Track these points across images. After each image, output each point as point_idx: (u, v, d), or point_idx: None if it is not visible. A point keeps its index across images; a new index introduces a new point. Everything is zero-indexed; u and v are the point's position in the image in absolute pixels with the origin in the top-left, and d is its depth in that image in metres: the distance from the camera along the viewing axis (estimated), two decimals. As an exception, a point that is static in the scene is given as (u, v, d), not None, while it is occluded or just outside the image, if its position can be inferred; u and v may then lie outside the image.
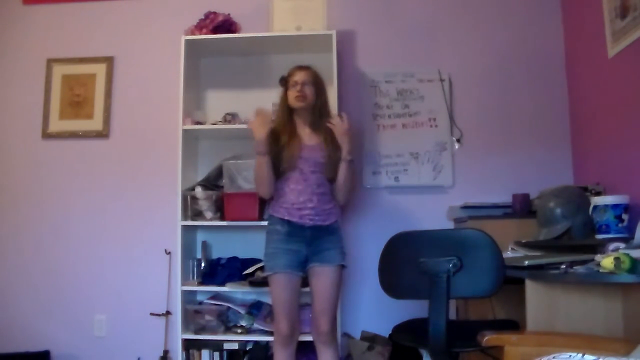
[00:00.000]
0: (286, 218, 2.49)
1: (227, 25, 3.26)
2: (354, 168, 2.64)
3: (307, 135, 2.59)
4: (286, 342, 2.48)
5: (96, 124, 3.52)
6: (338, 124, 2.52)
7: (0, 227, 3.50)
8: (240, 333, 2.99)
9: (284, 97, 2.62)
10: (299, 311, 2.58)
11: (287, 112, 2.61)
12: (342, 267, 2.53)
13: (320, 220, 2.50)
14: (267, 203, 2.91)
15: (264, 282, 2.67)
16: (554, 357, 1.22)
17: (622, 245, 1.90)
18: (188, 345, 3.03)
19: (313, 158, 2.53)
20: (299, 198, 2.49)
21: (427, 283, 1.85)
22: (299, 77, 2.57)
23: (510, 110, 3.33)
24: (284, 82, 2.62)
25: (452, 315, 2.60)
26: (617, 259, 1.64)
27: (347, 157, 2.53)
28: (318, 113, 2.59)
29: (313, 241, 2.49)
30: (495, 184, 3.23)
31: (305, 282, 2.55)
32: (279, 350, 2.50)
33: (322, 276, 2.47)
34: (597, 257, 1.76)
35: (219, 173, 3.14)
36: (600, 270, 1.68)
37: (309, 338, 2.65)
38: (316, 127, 2.59)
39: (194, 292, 3.19)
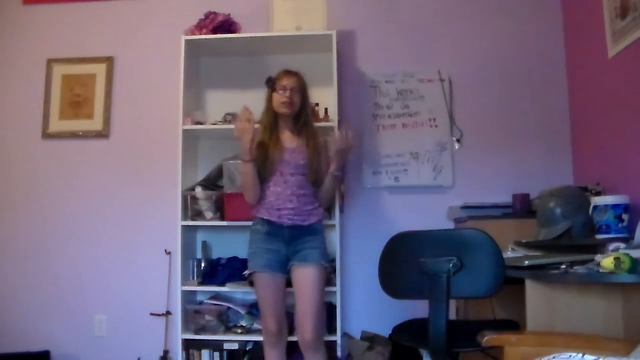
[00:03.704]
0: (266, 218, 2.51)
1: (227, 25, 3.26)
2: (338, 183, 2.69)
3: (287, 139, 2.60)
4: (275, 340, 2.51)
5: (96, 124, 3.52)
6: (338, 140, 2.51)
7: (0, 227, 3.50)
8: (240, 333, 3.00)
9: (270, 99, 2.62)
10: (284, 309, 2.59)
11: (272, 115, 2.61)
12: (324, 268, 2.51)
13: (300, 220, 2.50)
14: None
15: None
16: (554, 357, 1.22)
17: (622, 245, 1.90)
18: (188, 345, 3.03)
19: (294, 161, 2.54)
20: (277, 199, 2.51)
21: (427, 283, 1.85)
22: (288, 82, 2.56)
23: (510, 110, 3.33)
24: (271, 83, 2.61)
25: (452, 315, 2.60)
26: (617, 259, 1.64)
27: (333, 173, 2.55)
28: (300, 120, 2.61)
29: (292, 240, 2.50)
30: (495, 184, 3.23)
31: (290, 284, 2.55)
32: (269, 350, 2.53)
33: (302, 275, 2.47)
34: (597, 257, 1.76)
35: (219, 173, 3.14)
36: (600, 270, 1.68)
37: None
38: (297, 132, 2.61)
39: (194, 292, 3.19)
